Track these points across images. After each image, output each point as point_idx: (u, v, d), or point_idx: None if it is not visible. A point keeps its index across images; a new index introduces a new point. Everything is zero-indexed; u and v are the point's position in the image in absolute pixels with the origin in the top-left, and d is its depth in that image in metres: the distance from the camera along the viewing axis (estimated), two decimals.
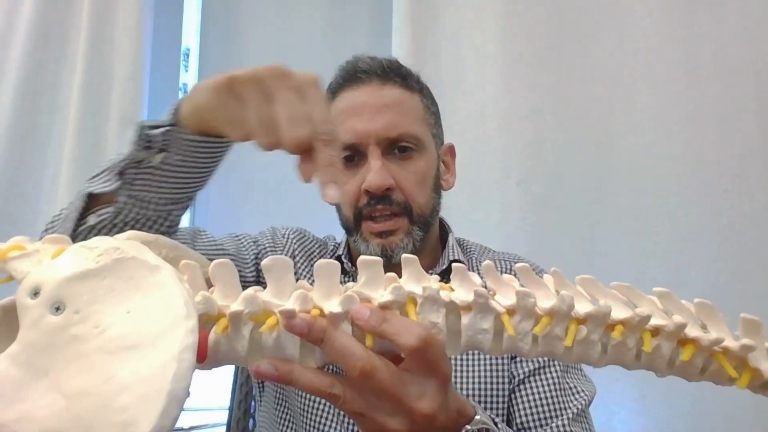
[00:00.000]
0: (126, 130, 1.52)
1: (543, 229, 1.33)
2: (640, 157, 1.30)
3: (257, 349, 0.42)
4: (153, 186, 0.57)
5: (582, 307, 0.44)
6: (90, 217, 0.57)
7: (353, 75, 0.79)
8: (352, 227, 0.78)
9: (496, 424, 0.52)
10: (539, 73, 1.37)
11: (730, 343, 0.43)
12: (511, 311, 0.44)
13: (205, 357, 0.40)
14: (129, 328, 0.33)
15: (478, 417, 0.49)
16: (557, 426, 0.71)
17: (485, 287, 0.45)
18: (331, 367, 0.45)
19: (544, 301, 0.43)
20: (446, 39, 1.42)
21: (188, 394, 0.32)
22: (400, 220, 0.75)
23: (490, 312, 0.44)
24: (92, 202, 0.58)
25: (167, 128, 0.55)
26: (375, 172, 0.73)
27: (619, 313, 0.43)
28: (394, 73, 0.79)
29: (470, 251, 0.87)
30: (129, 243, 0.38)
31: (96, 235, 0.56)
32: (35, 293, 0.35)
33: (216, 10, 1.81)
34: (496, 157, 1.36)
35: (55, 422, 0.31)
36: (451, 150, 0.88)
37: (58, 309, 0.34)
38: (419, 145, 0.77)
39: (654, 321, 0.43)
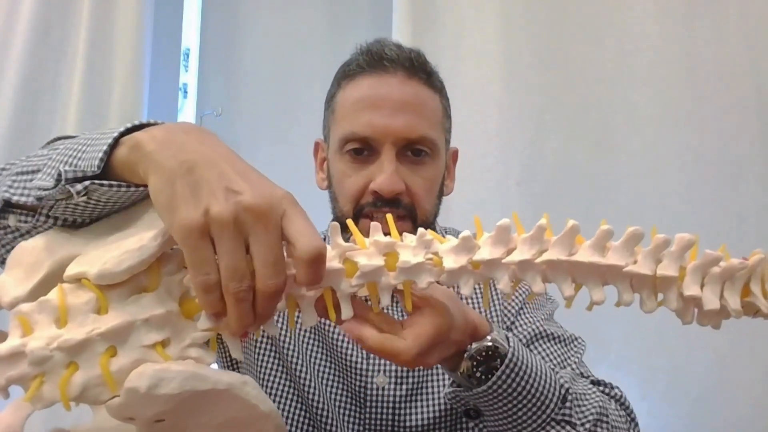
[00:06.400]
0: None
1: None
2: (640, 157, 1.30)
3: None
4: (77, 212, 0.45)
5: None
6: (10, 217, 0.47)
7: (378, 62, 0.73)
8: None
9: (508, 339, 0.56)
10: (539, 73, 1.37)
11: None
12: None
13: None
14: None
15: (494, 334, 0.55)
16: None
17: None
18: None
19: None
20: (446, 39, 1.42)
21: None
22: (404, 224, 0.70)
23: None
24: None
25: (89, 182, 0.41)
26: (388, 176, 0.69)
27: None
28: (420, 69, 0.74)
29: None
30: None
31: (17, 237, 0.47)
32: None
33: (216, 10, 1.81)
34: (496, 157, 1.36)
35: None
36: (455, 155, 0.85)
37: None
38: (434, 150, 0.74)
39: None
